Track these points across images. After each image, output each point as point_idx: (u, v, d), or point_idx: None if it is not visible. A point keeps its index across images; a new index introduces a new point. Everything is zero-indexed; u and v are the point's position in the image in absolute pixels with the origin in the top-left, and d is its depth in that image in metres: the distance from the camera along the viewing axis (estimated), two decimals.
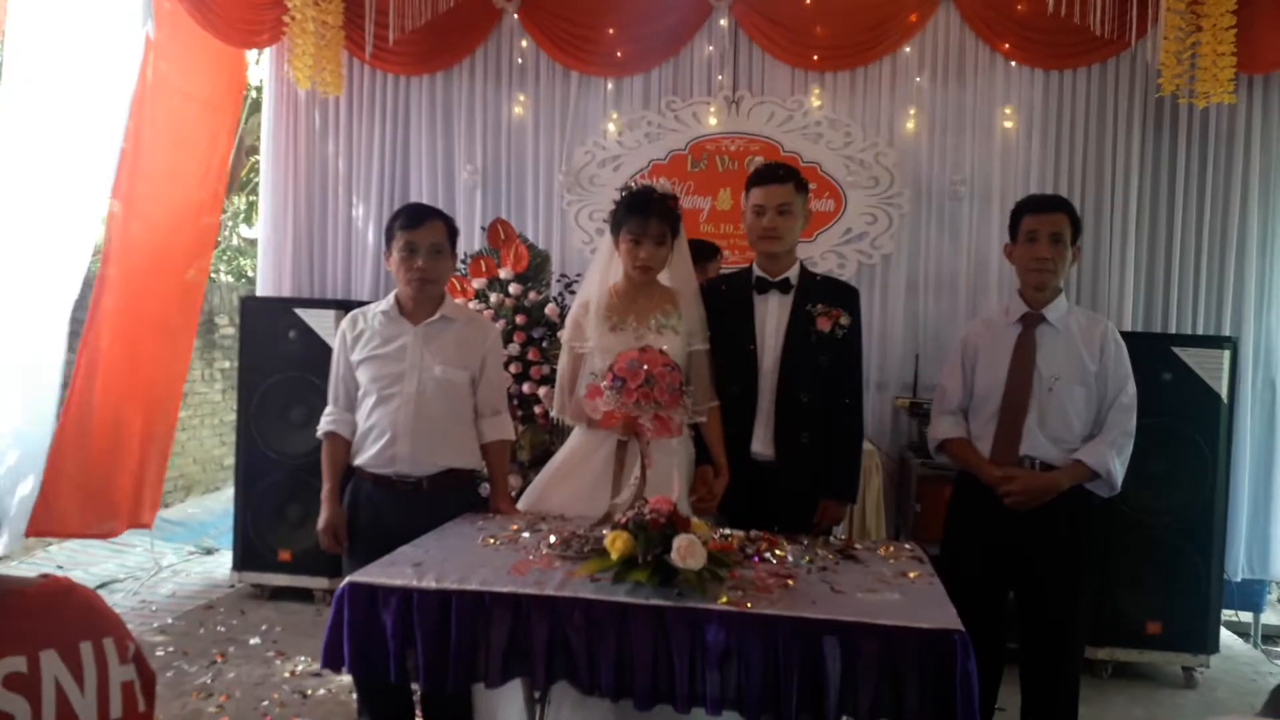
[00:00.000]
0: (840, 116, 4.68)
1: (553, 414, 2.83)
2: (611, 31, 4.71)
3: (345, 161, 5.04)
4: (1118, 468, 2.56)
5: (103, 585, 4.55)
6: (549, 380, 3.79)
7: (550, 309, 4.00)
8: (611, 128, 4.83)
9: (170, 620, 4.11)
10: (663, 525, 1.89)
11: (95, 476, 4.28)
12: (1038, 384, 2.61)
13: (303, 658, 3.67)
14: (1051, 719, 2.66)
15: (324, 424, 2.69)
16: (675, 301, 2.67)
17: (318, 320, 4.30)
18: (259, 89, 6.51)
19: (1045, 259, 2.62)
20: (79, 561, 4.99)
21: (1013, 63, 4.53)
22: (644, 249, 2.58)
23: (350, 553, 2.60)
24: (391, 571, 2.01)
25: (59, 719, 1.18)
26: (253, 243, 8.95)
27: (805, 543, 2.38)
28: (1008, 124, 4.54)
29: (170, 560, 5.04)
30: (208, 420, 7.08)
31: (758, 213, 2.73)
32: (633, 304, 2.64)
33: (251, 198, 9.29)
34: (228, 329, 7.16)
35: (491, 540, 2.28)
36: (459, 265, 3.60)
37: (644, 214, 2.57)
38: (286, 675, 3.52)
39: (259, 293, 5.11)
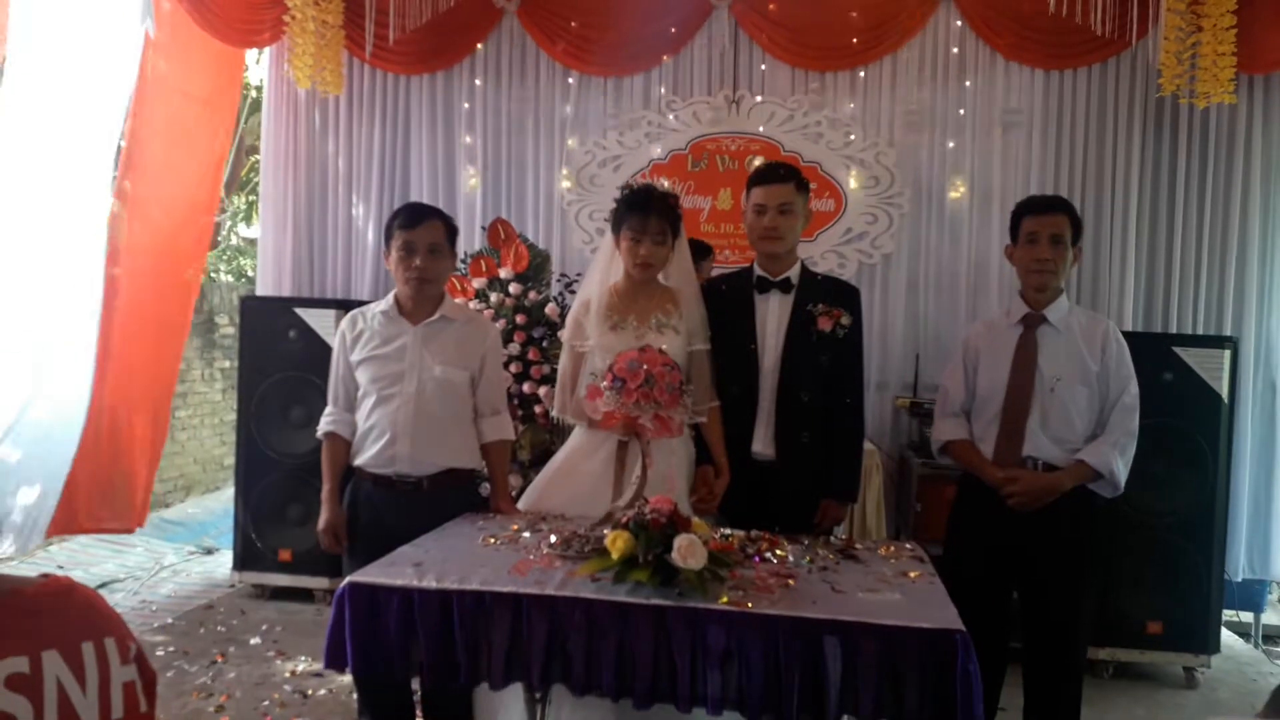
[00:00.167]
0: (840, 116, 4.69)
1: (553, 413, 2.83)
2: (611, 31, 4.72)
3: (345, 161, 5.04)
4: (1121, 468, 2.55)
5: (103, 585, 4.54)
6: (549, 380, 3.79)
7: (550, 309, 4.00)
8: (611, 127, 4.83)
9: (170, 620, 4.11)
10: (663, 525, 1.89)
11: (117, 474, 4.36)
12: (1040, 385, 2.61)
13: (303, 658, 3.67)
14: (1054, 719, 2.66)
15: (324, 424, 2.68)
16: (676, 301, 2.67)
17: (318, 320, 4.29)
18: (259, 88, 6.51)
19: (1046, 260, 2.61)
20: (79, 561, 4.98)
21: (1013, 63, 4.53)
22: (644, 246, 2.58)
23: (350, 553, 2.60)
24: (392, 572, 2.01)
25: (61, 719, 1.18)
26: (253, 242, 8.95)
27: (806, 543, 2.38)
28: (1008, 124, 4.54)
29: (170, 560, 5.04)
30: (208, 420, 7.07)
31: (759, 212, 2.72)
32: (633, 303, 2.64)
33: (251, 197, 9.28)
34: (228, 329, 7.15)
35: (492, 540, 2.28)
36: (459, 265, 3.60)
37: (644, 212, 2.58)
38: (287, 675, 3.52)
39: (259, 292, 5.12)
